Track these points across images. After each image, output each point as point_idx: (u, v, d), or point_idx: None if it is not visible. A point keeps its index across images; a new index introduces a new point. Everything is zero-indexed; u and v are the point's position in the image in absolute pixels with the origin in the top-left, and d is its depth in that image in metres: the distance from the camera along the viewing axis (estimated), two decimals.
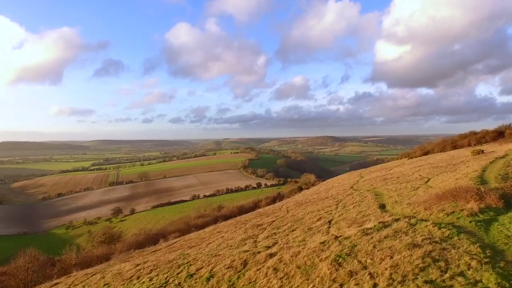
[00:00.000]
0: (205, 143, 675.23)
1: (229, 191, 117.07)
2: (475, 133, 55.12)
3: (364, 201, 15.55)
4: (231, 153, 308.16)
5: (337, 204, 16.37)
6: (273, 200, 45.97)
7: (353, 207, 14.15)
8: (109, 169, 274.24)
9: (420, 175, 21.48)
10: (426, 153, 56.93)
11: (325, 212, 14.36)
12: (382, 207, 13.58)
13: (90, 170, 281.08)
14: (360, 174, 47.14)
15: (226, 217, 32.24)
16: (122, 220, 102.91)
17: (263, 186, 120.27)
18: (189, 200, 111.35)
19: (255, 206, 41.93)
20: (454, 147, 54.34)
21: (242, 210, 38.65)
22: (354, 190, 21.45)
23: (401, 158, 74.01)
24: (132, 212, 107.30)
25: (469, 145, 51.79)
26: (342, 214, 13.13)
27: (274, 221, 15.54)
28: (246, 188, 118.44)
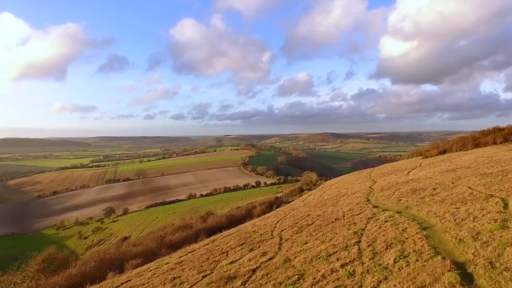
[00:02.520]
0: (206, 140, 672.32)
1: (227, 190, 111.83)
2: (500, 129, 48.86)
3: (406, 241, 9.04)
4: (231, 149, 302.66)
5: (358, 243, 9.99)
6: (270, 206, 40.43)
7: (394, 260, 7.45)
8: (108, 166, 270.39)
9: (470, 188, 14.54)
10: (443, 152, 50.86)
11: (341, 266, 8.05)
12: (465, 275, 6.59)
13: (88, 167, 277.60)
14: (370, 176, 40.96)
15: (210, 231, 26.69)
16: (114, 221, 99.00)
17: (262, 184, 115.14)
18: (185, 200, 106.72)
19: (247, 215, 36.34)
20: (477, 145, 48.19)
21: (232, 220, 33.10)
22: (375, 206, 15.16)
23: (412, 157, 67.80)
24: (125, 212, 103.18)
25: (494, 143, 45.70)
26: (379, 282, 6.81)
27: (257, 269, 9.51)
28: (245, 187, 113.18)
